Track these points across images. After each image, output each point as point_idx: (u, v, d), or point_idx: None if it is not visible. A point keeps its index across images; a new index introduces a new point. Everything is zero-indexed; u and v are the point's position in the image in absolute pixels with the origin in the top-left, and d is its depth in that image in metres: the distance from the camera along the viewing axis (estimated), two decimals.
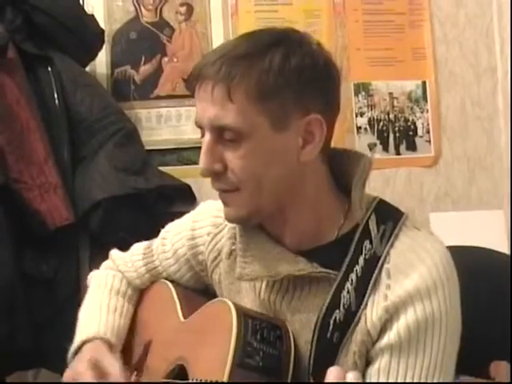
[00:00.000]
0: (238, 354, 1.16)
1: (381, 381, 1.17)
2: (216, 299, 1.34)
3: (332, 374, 0.97)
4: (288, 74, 1.17)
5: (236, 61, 1.16)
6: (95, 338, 1.42)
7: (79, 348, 1.41)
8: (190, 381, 1.23)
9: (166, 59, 2.71)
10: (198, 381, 1.20)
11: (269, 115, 1.17)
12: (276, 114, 1.17)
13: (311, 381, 1.19)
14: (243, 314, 1.21)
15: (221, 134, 1.19)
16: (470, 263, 1.38)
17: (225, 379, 1.14)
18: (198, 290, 1.50)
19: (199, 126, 1.22)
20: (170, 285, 1.49)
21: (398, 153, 2.78)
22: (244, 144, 1.17)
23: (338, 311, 1.19)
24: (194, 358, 1.27)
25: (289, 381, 1.18)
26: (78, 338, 1.44)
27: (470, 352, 1.22)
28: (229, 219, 1.28)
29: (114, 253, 1.61)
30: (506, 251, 2.38)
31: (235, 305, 1.24)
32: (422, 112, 2.80)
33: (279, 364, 1.19)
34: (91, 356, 1.36)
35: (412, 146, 2.79)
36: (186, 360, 1.30)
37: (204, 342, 1.26)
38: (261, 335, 1.19)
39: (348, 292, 1.20)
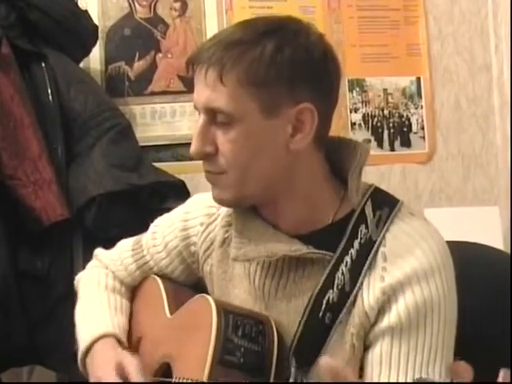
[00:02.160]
0: (217, 351, 1.15)
1: (383, 364, 1.18)
2: (198, 295, 1.33)
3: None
4: (280, 64, 1.17)
5: (229, 47, 1.18)
6: (106, 335, 1.40)
7: (89, 347, 1.40)
8: (180, 380, 1.23)
9: (160, 55, 2.71)
10: (184, 380, 1.19)
11: (259, 102, 1.18)
12: (266, 101, 1.18)
13: (293, 361, 1.19)
14: (223, 310, 1.21)
15: (214, 117, 1.20)
16: (465, 258, 1.37)
17: (205, 377, 1.14)
18: (188, 285, 1.50)
19: (196, 108, 1.24)
20: (158, 280, 1.49)
21: (392, 149, 2.79)
22: (234, 128, 1.19)
23: (331, 291, 1.20)
24: (178, 356, 1.27)
25: (272, 376, 1.18)
26: (87, 336, 1.41)
27: (463, 349, 1.22)
28: (215, 199, 1.29)
29: (100, 252, 1.60)
30: (501, 247, 2.38)
31: (216, 300, 1.24)
32: (416, 108, 2.80)
33: (262, 360, 1.18)
34: (114, 360, 1.33)
35: (406, 143, 2.80)
36: (171, 357, 1.29)
37: (187, 340, 1.26)
38: (242, 331, 1.19)
39: (342, 273, 1.21)
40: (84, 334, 1.43)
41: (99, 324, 1.43)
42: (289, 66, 1.18)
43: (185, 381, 1.19)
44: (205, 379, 1.14)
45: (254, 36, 1.18)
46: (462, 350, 1.21)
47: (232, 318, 1.20)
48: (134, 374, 1.29)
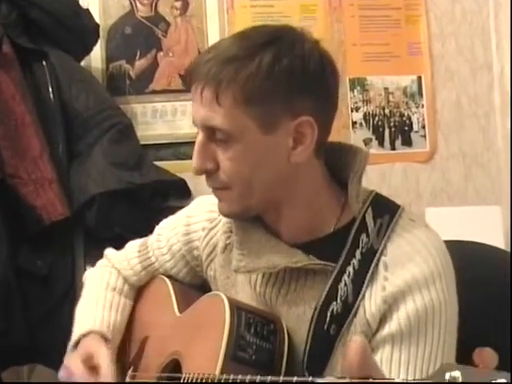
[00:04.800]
0: (230, 347, 1.16)
1: (383, 371, 1.15)
2: (210, 293, 1.34)
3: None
4: (277, 76, 1.16)
5: (225, 63, 1.16)
6: (90, 332, 1.42)
7: (76, 343, 1.42)
8: (184, 378, 1.23)
9: (161, 54, 2.71)
10: (192, 375, 1.20)
11: (257, 118, 1.17)
12: (264, 117, 1.17)
13: (306, 374, 1.19)
14: (236, 308, 1.21)
15: (212, 134, 1.19)
16: (466, 258, 1.37)
17: (217, 372, 1.14)
18: (194, 286, 1.50)
19: (194, 124, 1.24)
20: (167, 280, 1.49)
21: (393, 148, 2.79)
22: (234, 146, 1.18)
23: (334, 303, 1.20)
24: (188, 353, 1.27)
25: (282, 375, 1.18)
26: (75, 333, 1.45)
27: (463, 348, 1.22)
28: (222, 214, 1.29)
29: (109, 251, 1.61)
30: (502, 247, 2.38)
31: (229, 298, 1.24)
32: (417, 107, 2.80)
33: (272, 358, 1.19)
34: (84, 351, 1.38)
35: (407, 142, 2.80)
36: (180, 354, 1.29)
37: (198, 336, 1.26)
38: (254, 329, 1.19)
39: (345, 284, 1.20)
40: (74, 331, 1.46)
41: (88, 321, 1.46)
42: (286, 77, 1.17)
43: (195, 376, 1.19)
44: (217, 374, 1.14)
45: (250, 49, 1.17)
46: (463, 349, 1.21)
47: (245, 316, 1.20)
48: (103, 361, 1.34)
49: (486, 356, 0.74)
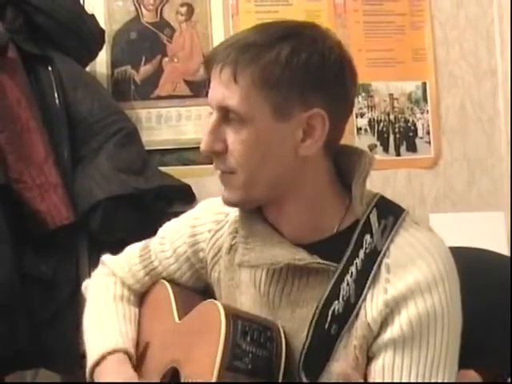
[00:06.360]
0: (226, 356, 1.15)
1: (386, 376, 1.17)
2: (207, 300, 1.33)
3: None
4: (295, 68, 1.17)
5: (245, 48, 1.18)
6: (116, 351, 1.40)
7: (99, 361, 1.39)
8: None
9: (166, 59, 2.71)
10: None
11: (271, 104, 1.18)
12: (279, 104, 1.18)
13: (302, 375, 1.19)
14: (232, 315, 1.21)
15: (226, 115, 1.21)
16: (470, 264, 1.37)
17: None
18: (196, 290, 1.49)
19: (210, 106, 1.25)
20: (167, 285, 1.48)
21: (398, 154, 2.79)
22: (246, 129, 1.19)
23: (336, 302, 1.20)
24: (186, 361, 1.27)
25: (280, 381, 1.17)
26: (96, 349, 1.41)
27: (465, 355, 1.22)
28: (224, 201, 1.29)
29: (107, 258, 1.59)
30: (506, 253, 2.38)
31: (225, 306, 1.24)
32: (422, 113, 2.80)
33: (269, 365, 1.18)
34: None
35: (412, 147, 2.80)
36: (178, 362, 1.29)
37: (195, 344, 1.26)
38: (250, 337, 1.18)
39: (348, 284, 1.20)
40: (94, 346, 1.43)
41: (109, 338, 1.43)
42: (303, 71, 1.17)
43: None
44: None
45: (271, 39, 1.18)
46: (465, 355, 1.21)
47: (241, 324, 1.19)
48: None
49: (469, 378, 0.74)
